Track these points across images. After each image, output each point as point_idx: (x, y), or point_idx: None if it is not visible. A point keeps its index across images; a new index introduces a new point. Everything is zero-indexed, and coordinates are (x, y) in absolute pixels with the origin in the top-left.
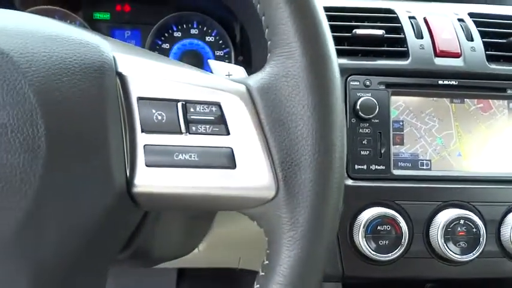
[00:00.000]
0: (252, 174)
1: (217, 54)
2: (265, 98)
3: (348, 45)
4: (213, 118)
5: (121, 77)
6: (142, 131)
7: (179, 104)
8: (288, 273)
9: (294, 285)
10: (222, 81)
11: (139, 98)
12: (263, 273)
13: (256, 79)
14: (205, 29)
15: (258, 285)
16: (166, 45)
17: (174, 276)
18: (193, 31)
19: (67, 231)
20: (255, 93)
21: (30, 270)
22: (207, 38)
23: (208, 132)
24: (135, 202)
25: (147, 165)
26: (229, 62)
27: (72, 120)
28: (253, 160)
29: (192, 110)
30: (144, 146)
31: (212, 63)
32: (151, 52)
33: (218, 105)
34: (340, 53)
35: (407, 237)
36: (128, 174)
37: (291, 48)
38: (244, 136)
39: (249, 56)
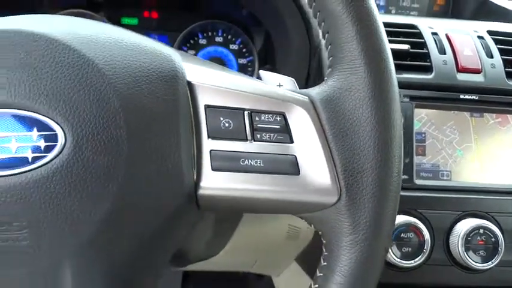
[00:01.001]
0: (315, 180)
1: (240, 62)
2: (329, 109)
3: None
4: (277, 127)
5: (190, 85)
6: (208, 137)
7: (246, 113)
8: (348, 273)
9: (353, 285)
10: (286, 92)
11: (207, 106)
12: (321, 274)
13: (318, 91)
14: (229, 37)
15: (316, 285)
16: (191, 52)
17: (179, 279)
18: (218, 39)
19: (141, 232)
20: (319, 104)
21: (105, 270)
22: (231, 46)
23: (273, 140)
24: (197, 204)
25: (213, 169)
26: (252, 70)
27: (150, 124)
28: (316, 167)
29: (257, 118)
30: (211, 151)
31: (263, 73)
32: (214, 63)
33: (283, 115)
34: None
35: (429, 245)
36: (194, 177)
37: (355, 64)
38: (307, 145)
39: (272, 64)
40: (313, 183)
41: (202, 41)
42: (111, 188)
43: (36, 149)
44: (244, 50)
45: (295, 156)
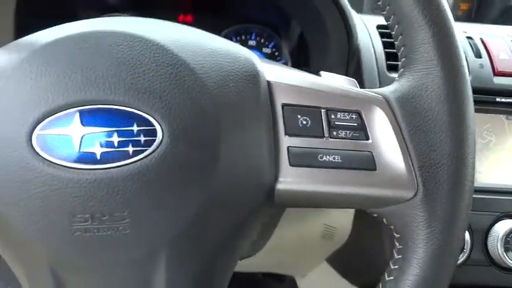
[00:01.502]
0: (392, 175)
1: None
2: (405, 107)
3: None
4: (354, 124)
5: (269, 84)
6: (286, 134)
7: (322, 111)
8: (425, 266)
9: (429, 276)
10: (360, 91)
11: (284, 105)
12: (396, 267)
13: (393, 90)
14: (262, 40)
15: (392, 277)
16: None
17: None
18: (251, 42)
19: (228, 225)
20: (394, 102)
21: (196, 261)
22: (264, 50)
23: (349, 137)
24: (274, 199)
25: (291, 165)
26: None
27: (238, 121)
28: (393, 163)
29: (333, 116)
30: (288, 147)
31: (324, 74)
32: (285, 66)
33: (358, 113)
34: None
35: (468, 246)
36: (273, 172)
37: (431, 65)
38: (384, 141)
39: (307, 67)
40: (390, 179)
41: None
42: (205, 181)
43: (136, 143)
44: (277, 54)
45: (372, 153)
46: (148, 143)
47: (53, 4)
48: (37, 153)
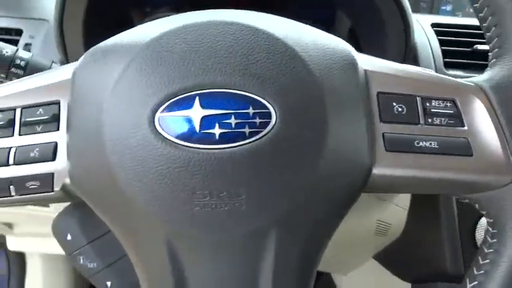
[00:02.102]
0: (489, 161)
1: None
2: (500, 95)
3: (468, 59)
4: (449, 112)
5: (365, 73)
6: (381, 121)
7: (418, 99)
8: None
9: None
10: (453, 80)
11: (379, 93)
12: (491, 250)
13: (486, 79)
14: None
15: (487, 260)
16: None
17: None
18: None
19: (332, 205)
20: (489, 91)
21: (304, 237)
22: None
23: (444, 124)
24: (366, 184)
25: (387, 151)
26: None
27: (342, 105)
28: (489, 149)
29: (428, 104)
30: (383, 133)
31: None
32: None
33: (453, 100)
34: (461, 66)
35: None
36: (370, 158)
37: None
38: (480, 128)
39: None
40: (487, 164)
41: None
42: (314, 160)
43: (252, 125)
44: None
45: (467, 139)
46: (263, 125)
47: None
48: (160, 134)
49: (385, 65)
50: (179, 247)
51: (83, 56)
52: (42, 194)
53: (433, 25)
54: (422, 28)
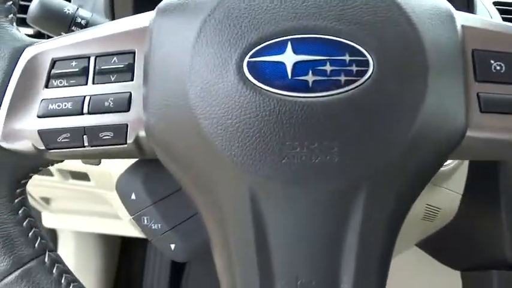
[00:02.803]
0: None
1: None
2: None
3: None
4: None
5: (462, 28)
6: (476, 80)
7: None
8: None
9: None
10: None
11: (475, 50)
12: None
13: None
14: None
15: None
16: None
17: None
18: None
19: (424, 166)
20: None
21: (396, 194)
22: None
23: None
24: (457, 146)
25: (482, 112)
26: None
27: (441, 59)
28: None
29: None
30: (478, 93)
31: None
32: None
33: None
34: None
35: None
36: (464, 118)
37: None
38: None
39: None
40: None
41: None
42: (413, 114)
43: (348, 73)
44: None
45: None
46: (360, 73)
47: None
48: (248, 80)
49: (484, 21)
50: (262, 198)
51: (157, 7)
52: (114, 146)
53: (495, 3)
54: (484, 6)
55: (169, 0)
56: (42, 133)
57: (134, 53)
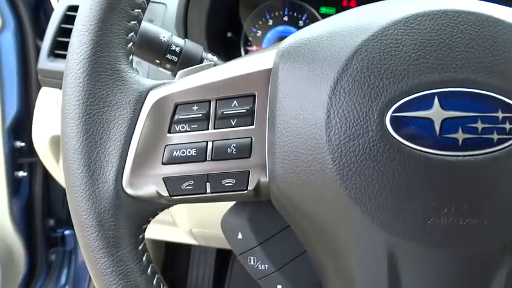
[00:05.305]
0: None
1: None
2: None
3: None
4: None
5: None
6: None
7: None
8: None
9: None
10: None
11: None
12: None
13: None
14: None
15: None
16: None
17: None
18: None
19: None
20: None
21: None
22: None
23: None
24: None
25: None
26: None
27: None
28: None
29: None
30: None
31: None
32: None
33: None
34: None
35: None
36: None
37: None
38: None
39: None
40: None
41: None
42: None
43: (501, 131)
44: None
45: None
46: None
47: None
48: (392, 136)
49: None
50: (402, 260)
51: (278, 49)
52: (235, 193)
53: None
54: None
55: (289, 43)
56: (167, 180)
57: (254, 96)
